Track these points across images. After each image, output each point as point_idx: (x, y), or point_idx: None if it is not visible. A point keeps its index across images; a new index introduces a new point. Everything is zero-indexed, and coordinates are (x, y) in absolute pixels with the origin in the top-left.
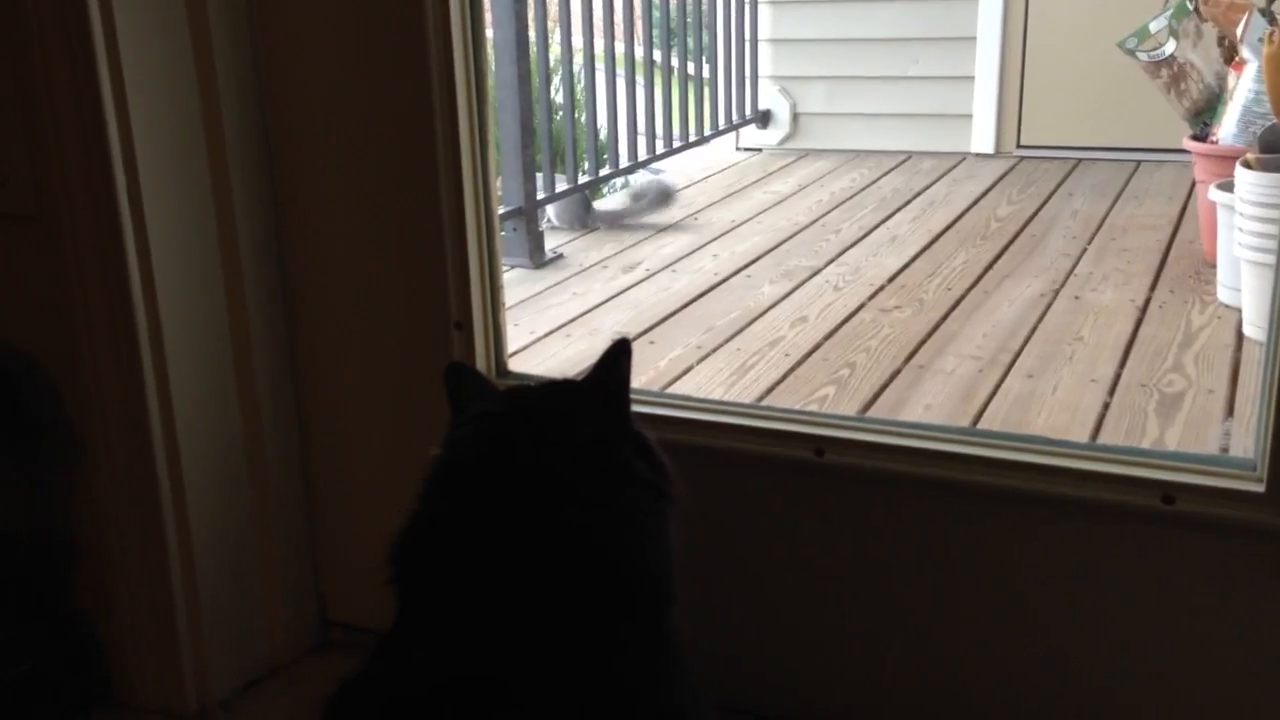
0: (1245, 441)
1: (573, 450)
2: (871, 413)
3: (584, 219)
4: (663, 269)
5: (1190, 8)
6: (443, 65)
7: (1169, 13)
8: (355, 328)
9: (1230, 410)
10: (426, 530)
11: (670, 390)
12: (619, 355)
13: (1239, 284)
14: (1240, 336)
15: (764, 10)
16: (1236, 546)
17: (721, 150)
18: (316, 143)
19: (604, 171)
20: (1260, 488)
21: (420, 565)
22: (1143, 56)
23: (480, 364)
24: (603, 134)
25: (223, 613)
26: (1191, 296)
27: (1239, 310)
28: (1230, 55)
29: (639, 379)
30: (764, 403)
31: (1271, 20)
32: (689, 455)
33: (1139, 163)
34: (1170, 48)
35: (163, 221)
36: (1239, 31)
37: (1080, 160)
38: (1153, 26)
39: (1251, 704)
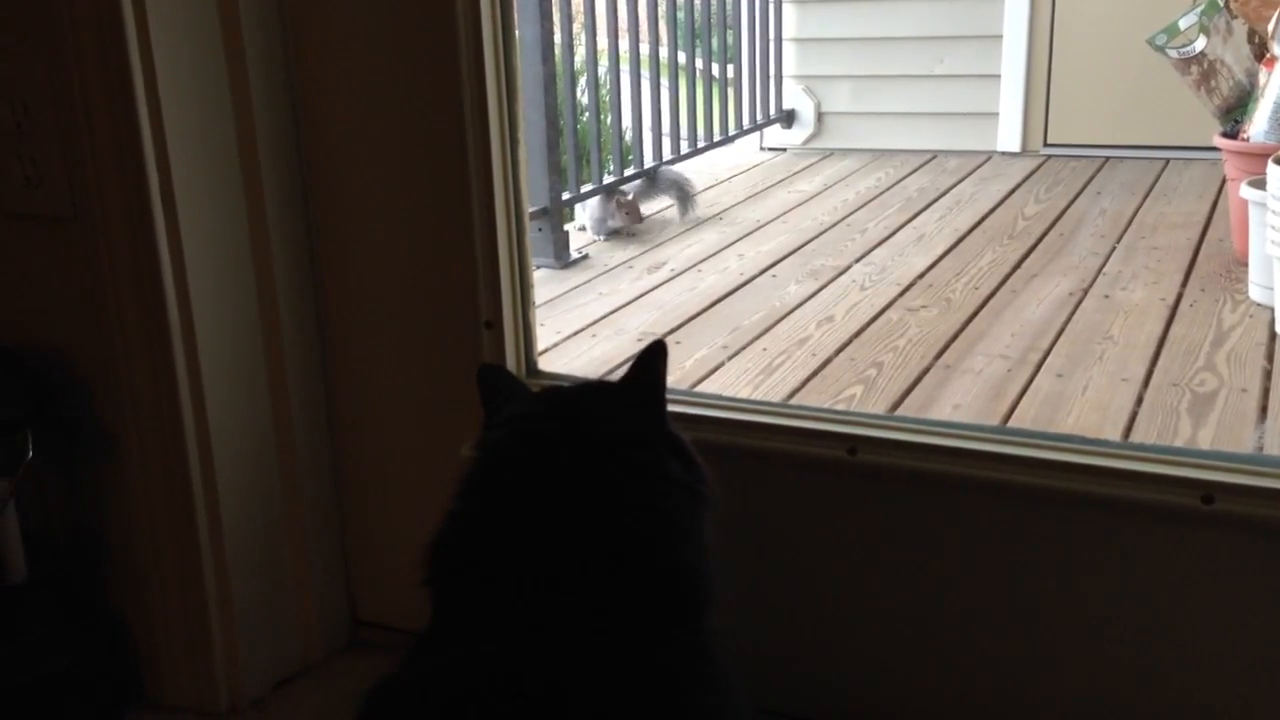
0: None
1: (608, 451)
2: (899, 412)
3: (605, 224)
4: (688, 269)
5: (1221, 4)
6: (473, 64)
7: (1199, 9)
8: (385, 327)
9: (1264, 410)
10: (462, 531)
11: (697, 390)
12: (655, 357)
13: (1271, 282)
14: (1273, 335)
15: (788, 9)
16: (1276, 546)
17: (746, 150)
18: (347, 141)
19: (629, 171)
20: None
21: (456, 566)
22: (1172, 53)
23: (510, 363)
24: (628, 135)
25: (254, 611)
26: (1223, 295)
27: (1271, 309)
28: (1261, 52)
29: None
30: (793, 400)
31: None
32: (720, 454)
33: (1168, 160)
34: (1200, 44)
35: (195, 221)
36: (1270, 28)
37: (1108, 158)
38: (1182, 23)
39: None
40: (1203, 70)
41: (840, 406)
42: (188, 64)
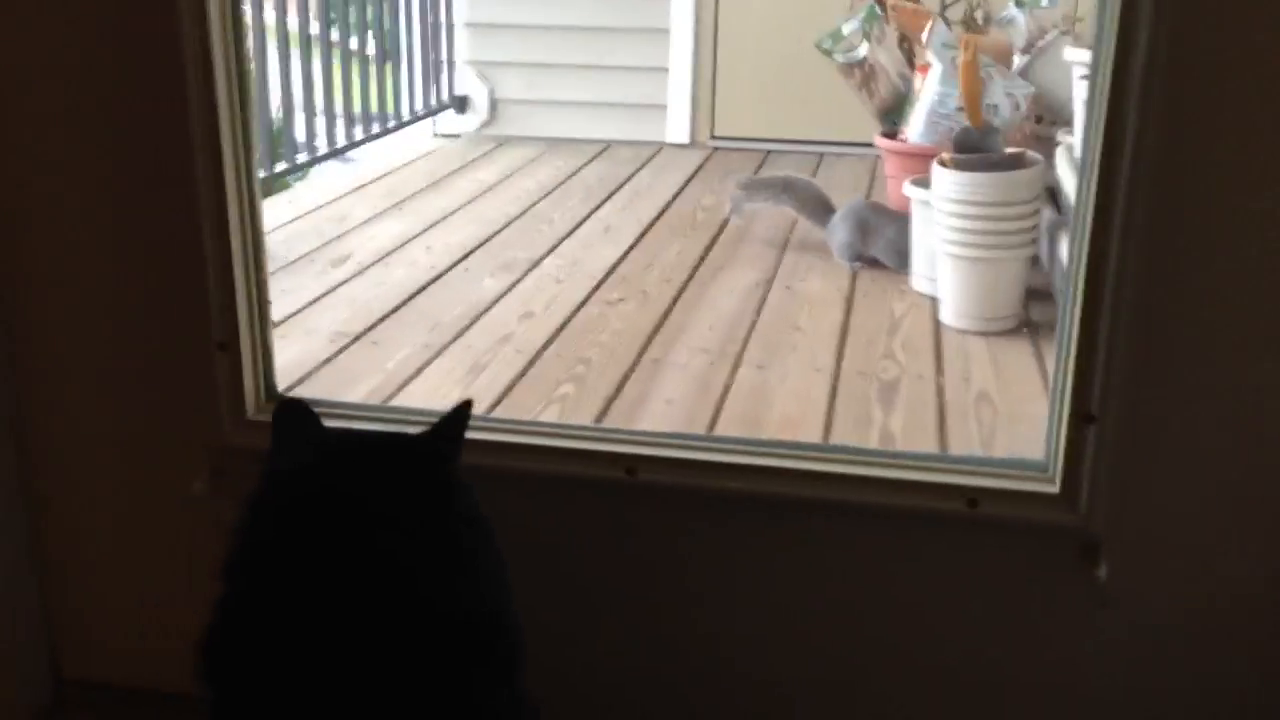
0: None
1: (394, 518)
2: (613, 410)
3: None
4: (375, 262)
5: (879, 12)
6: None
7: (861, 16)
8: (93, 351)
9: (940, 395)
10: (239, 618)
11: (404, 393)
12: (461, 418)
13: (934, 274)
14: (938, 324)
15: None
16: (1034, 543)
17: (418, 137)
18: (32, 121)
19: (281, 166)
20: (1054, 489)
21: (237, 658)
22: (839, 57)
23: (248, 388)
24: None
25: None
26: (890, 286)
27: (933, 299)
28: (915, 58)
29: (364, 385)
30: (504, 402)
31: (978, 28)
32: (499, 481)
33: (822, 155)
34: (863, 51)
35: None
36: (924, 37)
37: (770, 151)
38: (845, 29)
39: (1053, 685)
40: (864, 73)
41: (554, 407)
42: None
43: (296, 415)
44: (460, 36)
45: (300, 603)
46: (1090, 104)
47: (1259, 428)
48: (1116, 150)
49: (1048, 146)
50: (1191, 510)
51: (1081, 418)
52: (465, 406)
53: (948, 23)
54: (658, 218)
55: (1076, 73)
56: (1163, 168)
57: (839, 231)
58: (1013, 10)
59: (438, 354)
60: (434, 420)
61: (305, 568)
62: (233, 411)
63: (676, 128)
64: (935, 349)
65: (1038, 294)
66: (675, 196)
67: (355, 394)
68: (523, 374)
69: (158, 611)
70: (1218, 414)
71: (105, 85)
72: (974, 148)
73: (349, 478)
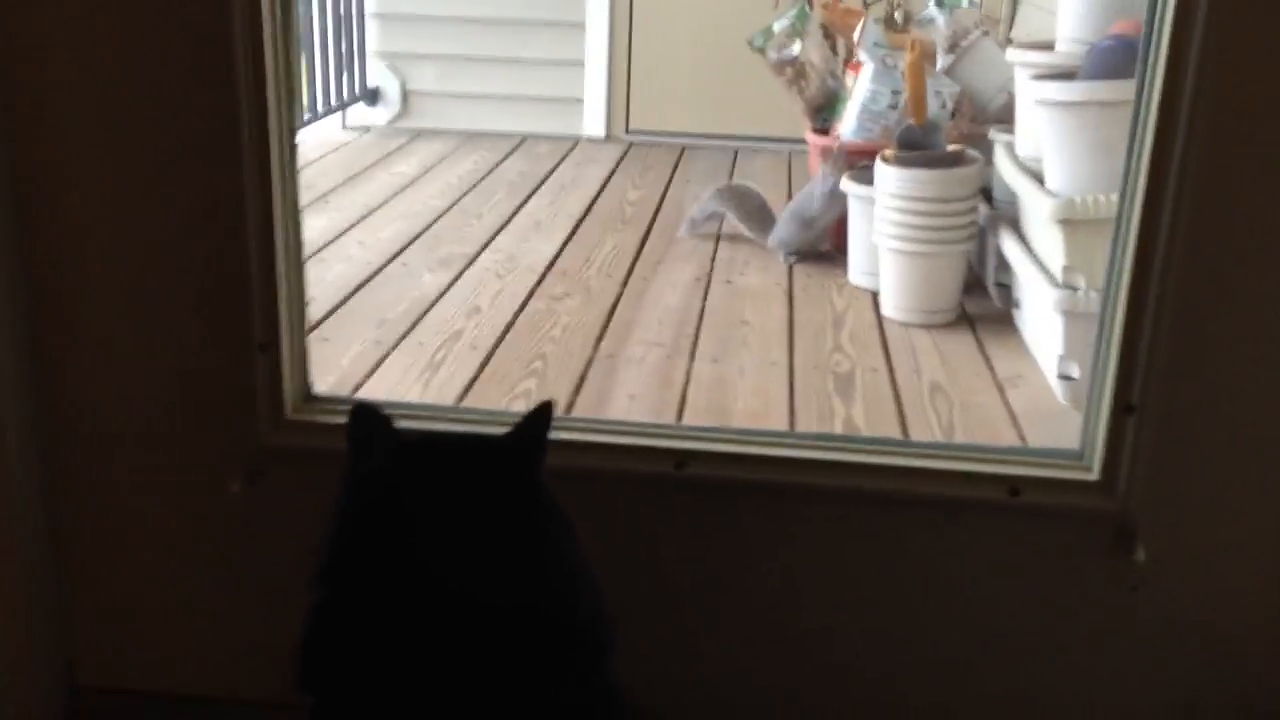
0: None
1: (489, 515)
2: (579, 404)
3: None
4: (309, 257)
5: (809, 10)
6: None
7: (791, 13)
8: (131, 350)
9: (895, 385)
10: (341, 624)
11: (364, 390)
12: (542, 417)
13: (873, 269)
14: (880, 317)
15: None
16: (1072, 528)
17: (328, 130)
18: (76, 114)
19: None
20: (1093, 476)
21: (344, 663)
22: (771, 55)
23: (286, 390)
24: None
25: None
26: (826, 280)
27: (871, 292)
28: (846, 56)
29: (321, 382)
30: (467, 399)
31: (899, 27)
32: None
33: (738, 150)
34: (796, 49)
35: None
36: (856, 36)
37: (685, 146)
38: (776, 26)
39: (1087, 665)
40: (796, 70)
41: (518, 402)
42: None
43: (371, 420)
44: (371, 28)
45: (402, 606)
46: (1139, 104)
47: None
48: (1166, 147)
49: (977, 143)
50: (1226, 499)
51: (1122, 408)
52: (546, 407)
53: (896, 24)
54: (587, 212)
55: (1022, 74)
56: (1210, 163)
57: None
58: (933, 10)
59: (391, 350)
60: (494, 419)
61: (403, 571)
62: (271, 412)
63: (593, 121)
64: (882, 342)
65: (968, 288)
66: (600, 191)
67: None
68: (480, 370)
69: (187, 615)
70: (1255, 406)
71: (154, 81)
72: (917, 145)
73: (438, 479)
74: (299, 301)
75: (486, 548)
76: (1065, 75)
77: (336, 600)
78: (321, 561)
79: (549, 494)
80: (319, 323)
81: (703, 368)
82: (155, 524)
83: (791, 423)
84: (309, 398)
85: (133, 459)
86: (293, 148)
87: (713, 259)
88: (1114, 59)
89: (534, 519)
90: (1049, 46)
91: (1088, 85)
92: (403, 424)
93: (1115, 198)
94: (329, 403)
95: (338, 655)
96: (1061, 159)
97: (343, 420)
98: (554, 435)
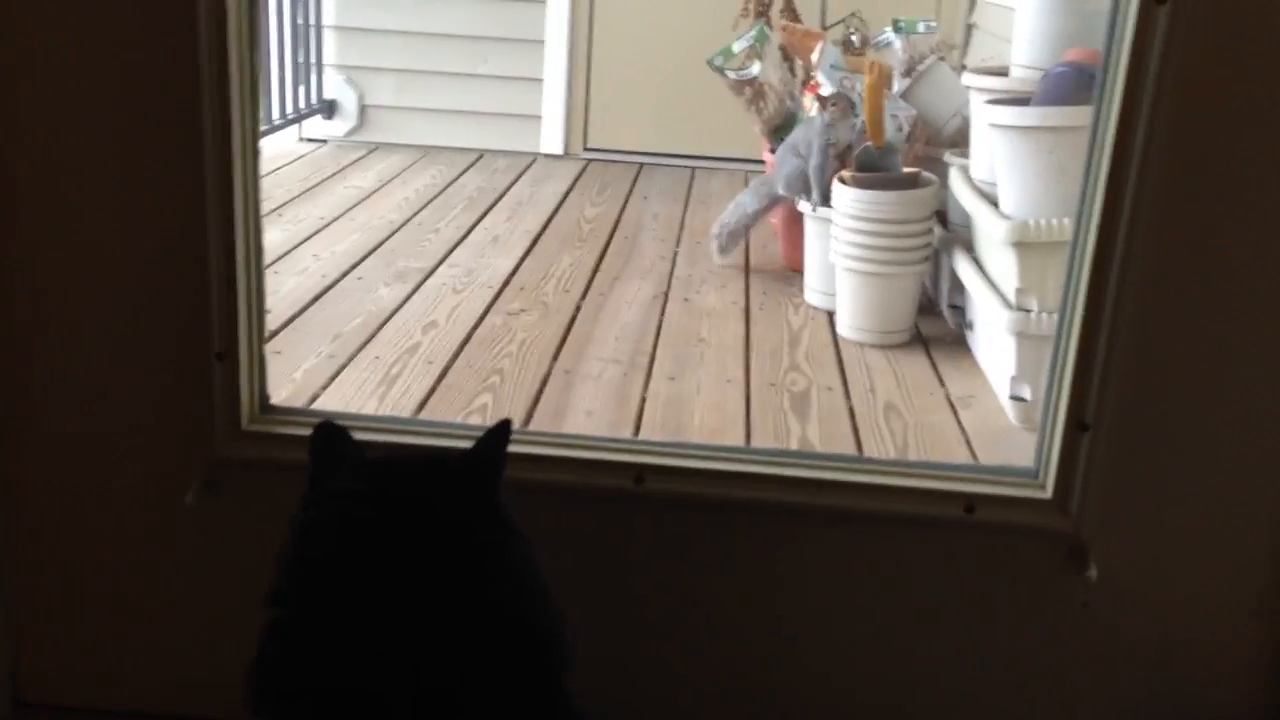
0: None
1: (445, 536)
2: (535, 419)
3: None
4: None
5: (768, 32)
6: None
7: (751, 34)
8: (85, 357)
9: (850, 404)
10: (295, 644)
11: (318, 404)
12: (500, 436)
13: (829, 289)
14: (836, 336)
15: None
16: (1026, 546)
17: (284, 141)
18: (38, 119)
19: None
20: (1047, 494)
21: (300, 684)
22: (730, 75)
23: (244, 400)
24: None
25: None
26: (783, 299)
27: (827, 312)
28: (804, 77)
29: (273, 396)
30: (422, 413)
31: (856, 50)
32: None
33: (694, 169)
34: (756, 69)
35: None
36: (814, 58)
37: (643, 164)
38: (735, 47)
39: (1040, 682)
40: (755, 91)
41: (474, 417)
42: None
43: (333, 437)
44: (328, 40)
45: (360, 624)
46: (1096, 128)
47: (1248, 439)
48: (1122, 170)
49: (932, 166)
50: (1177, 517)
51: (1076, 426)
52: (505, 426)
53: (851, 46)
54: (544, 228)
55: (976, 98)
56: (1164, 186)
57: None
58: (890, 35)
59: (346, 364)
60: (452, 432)
61: (361, 588)
62: (228, 423)
63: (551, 138)
64: (838, 361)
65: (923, 309)
66: (558, 207)
67: None
68: (436, 385)
69: (138, 630)
70: (1206, 425)
71: (115, 84)
72: (874, 166)
73: (398, 496)
74: (258, 311)
75: (443, 567)
76: (1019, 100)
77: (291, 619)
78: (276, 579)
79: (507, 511)
80: (273, 335)
81: (660, 385)
82: (107, 535)
83: (748, 440)
84: (266, 408)
85: (85, 467)
86: (255, 154)
87: (670, 276)
88: (1066, 85)
89: (491, 537)
90: (1003, 72)
91: (1041, 110)
92: (359, 436)
93: (1068, 221)
94: (287, 414)
95: (291, 676)
96: (1015, 183)
97: (300, 432)
98: (514, 448)
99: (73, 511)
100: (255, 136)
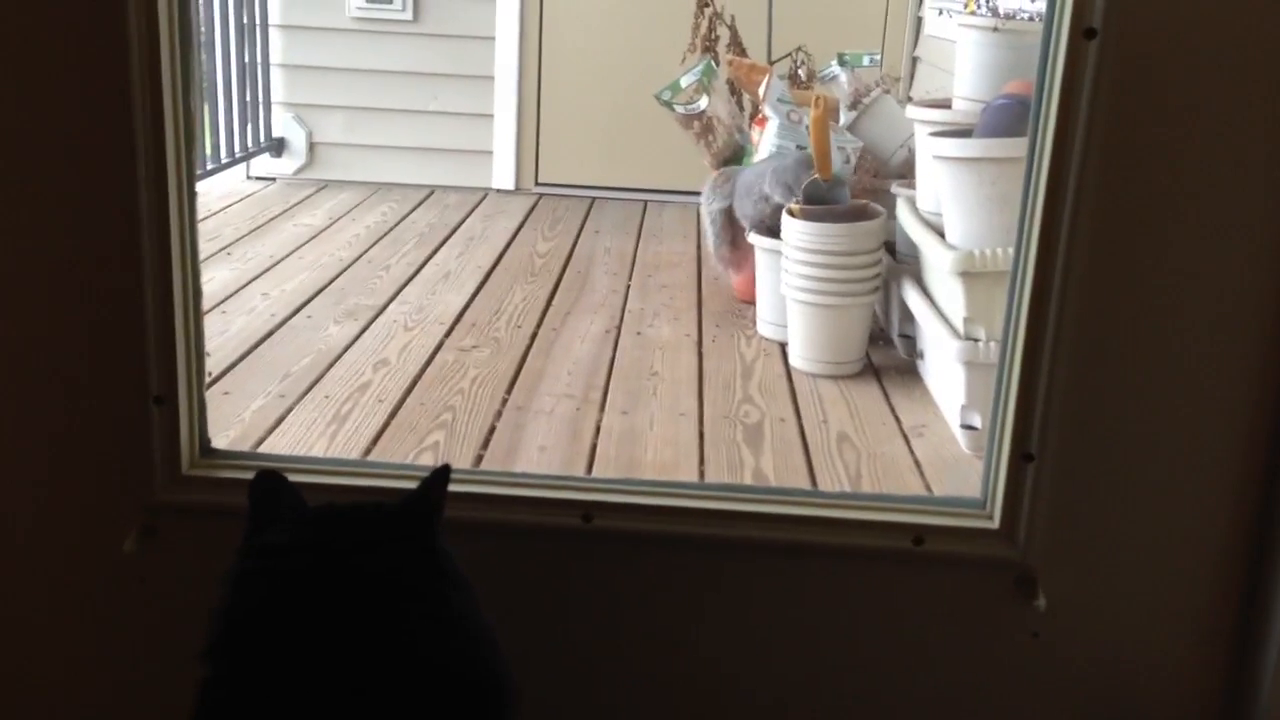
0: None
1: (387, 593)
2: (488, 458)
3: None
4: (211, 309)
5: (715, 67)
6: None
7: (698, 69)
8: (18, 402)
9: (804, 436)
10: (225, 703)
11: (266, 444)
12: (440, 481)
13: (781, 320)
14: (788, 368)
15: (275, 35)
16: (975, 576)
17: (231, 180)
18: None
19: None
20: (994, 524)
21: None
22: (679, 109)
23: (184, 444)
24: None
25: None
26: (735, 331)
27: (779, 343)
28: (752, 111)
29: (221, 438)
30: (373, 452)
31: (802, 84)
32: (452, 531)
33: (646, 202)
34: (704, 103)
35: None
36: (761, 91)
37: (595, 199)
38: (683, 81)
39: (994, 712)
40: (703, 125)
41: (426, 455)
42: None
43: (273, 486)
44: (276, 77)
45: (291, 683)
46: (1031, 160)
47: (1189, 465)
48: (1057, 197)
49: (879, 198)
50: (1124, 545)
51: (1021, 456)
52: (444, 471)
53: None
54: (496, 263)
55: (921, 131)
56: (1100, 216)
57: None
58: (835, 68)
59: (295, 403)
60: (402, 473)
61: (293, 646)
62: (167, 468)
63: (502, 174)
64: (790, 392)
65: (874, 339)
66: (510, 243)
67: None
68: (388, 423)
69: (73, 683)
70: (1150, 453)
71: (47, 127)
72: (821, 199)
73: (333, 550)
74: (197, 353)
75: (376, 622)
76: (962, 132)
77: (223, 679)
78: (212, 636)
79: (447, 559)
80: (220, 376)
81: (613, 419)
82: (42, 584)
83: (701, 473)
84: (207, 452)
85: (19, 514)
86: (192, 194)
87: (623, 311)
88: (1007, 117)
89: (428, 588)
90: (946, 104)
91: (983, 142)
92: (305, 479)
93: (1013, 251)
94: (228, 458)
95: None
96: (960, 213)
97: (243, 475)
98: (461, 488)
99: (6, 561)
100: (192, 178)
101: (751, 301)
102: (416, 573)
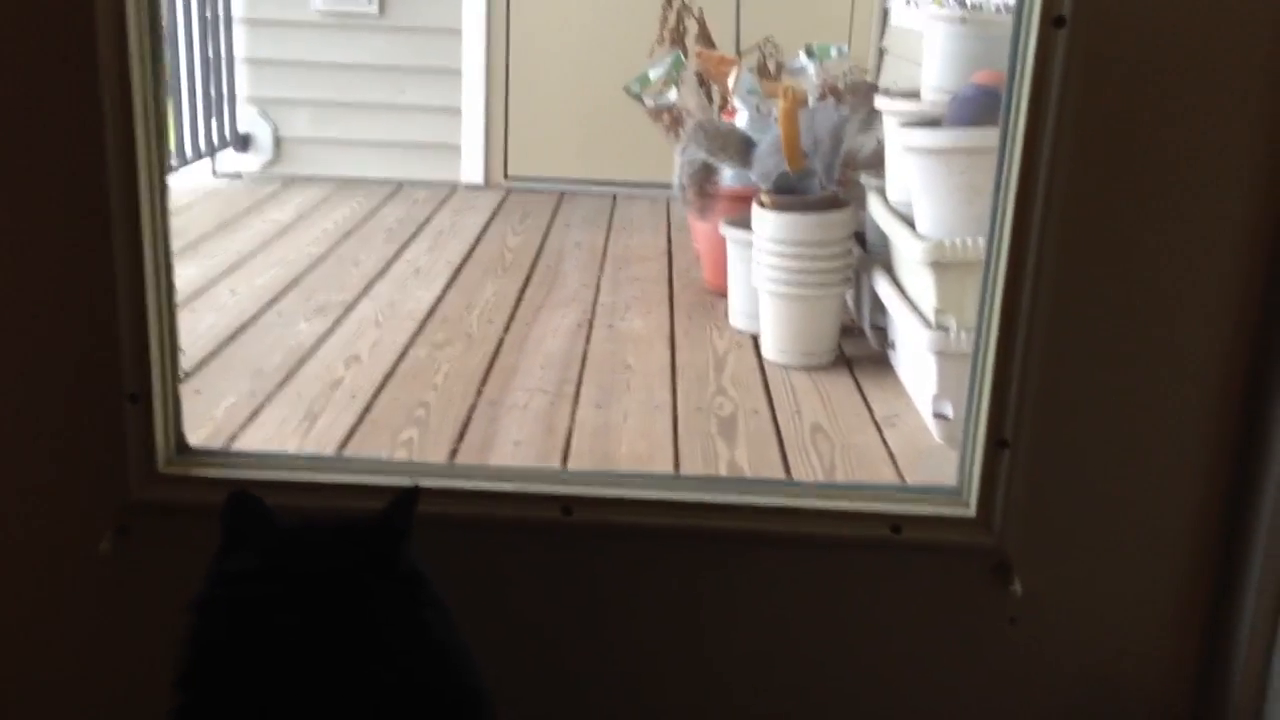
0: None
1: (359, 616)
2: (462, 452)
3: None
4: (179, 307)
5: (684, 59)
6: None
7: (668, 62)
8: None
9: (777, 428)
10: None
11: (239, 442)
12: (409, 503)
13: (753, 311)
14: (761, 359)
15: (239, 29)
16: (952, 564)
17: (197, 176)
18: None
19: None
20: (970, 512)
21: None
22: (648, 101)
23: (159, 442)
24: None
25: None
26: (707, 323)
27: (752, 335)
28: (721, 103)
29: (193, 436)
30: (347, 448)
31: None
32: (429, 528)
33: (615, 195)
34: (673, 96)
35: None
36: (730, 83)
37: (564, 192)
38: (652, 74)
39: (972, 698)
40: (673, 117)
41: (400, 452)
42: None
43: (246, 505)
44: (241, 72)
45: (263, 710)
46: (1003, 149)
47: (1162, 451)
48: (1029, 186)
49: (849, 189)
50: (1098, 530)
51: (996, 443)
52: (413, 493)
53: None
54: (467, 258)
55: (890, 121)
56: (1072, 205)
57: None
58: (803, 60)
59: (266, 402)
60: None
61: (263, 673)
62: (142, 466)
63: (471, 168)
64: (764, 384)
65: (846, 330)
66: (480, 237)
67: None
68: (361, 419)
69: (48, 688)
70: (1123, 438)
71: (16, 121)
72: (791, 190)
73: (303, 574)
74: (171, 351)
75: (346, 645)
76: (931, 123)
77: (195, 707)
78: (182, 664)
79: (420, 576)
80: (191, 374)
81: (587, 413)
82: (15, 586)
83: (676, 465)
84: (183, 450)
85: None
86: (163, 190)
87: (594, 304)
88: (975, 107)
89: (398, 609)
90: (915, 95)
91: (952, 133)
92: (280, 476)
93: (983, 241)
94: (204, 455)
95: None
96: (930, 203)
97: (219, 474)
98: (439, 484)
99: None
100: (163, 174)
101: (723, 293)
102: (385, 596)
